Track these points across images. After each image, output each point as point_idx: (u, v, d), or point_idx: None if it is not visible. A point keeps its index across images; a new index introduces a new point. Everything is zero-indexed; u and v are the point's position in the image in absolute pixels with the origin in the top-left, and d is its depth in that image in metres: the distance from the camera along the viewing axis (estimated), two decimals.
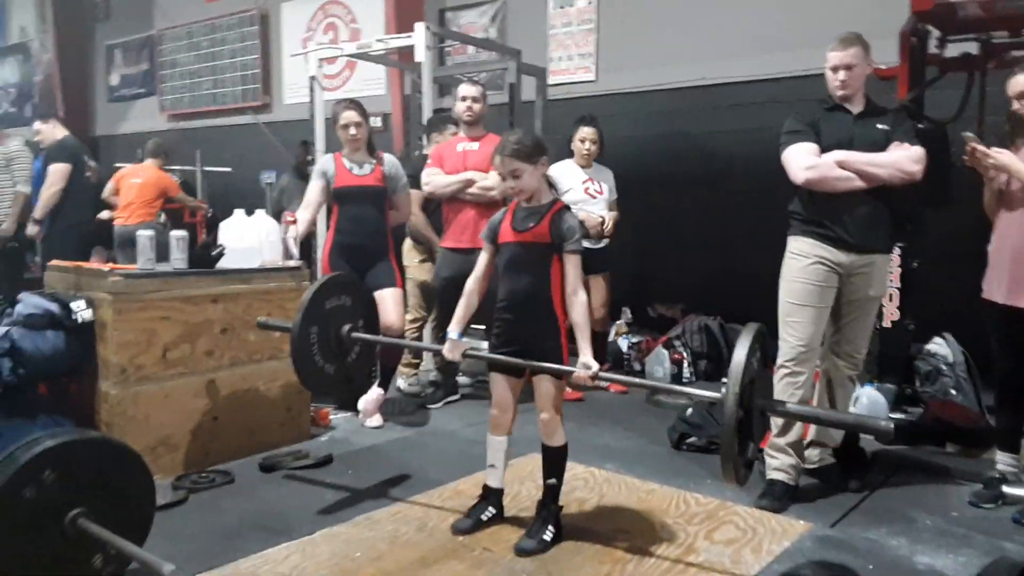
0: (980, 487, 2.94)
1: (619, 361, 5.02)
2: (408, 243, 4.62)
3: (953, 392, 3.78)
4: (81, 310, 2.92)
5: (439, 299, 4.17)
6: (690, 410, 3.57)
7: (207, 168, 8.40)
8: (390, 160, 3.90)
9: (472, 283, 2.58)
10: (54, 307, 2.92)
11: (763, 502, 2.82)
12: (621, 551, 2.43)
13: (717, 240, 5.72)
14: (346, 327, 2.76)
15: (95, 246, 6.46)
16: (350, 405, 3.85)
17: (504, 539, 2.49)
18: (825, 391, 3.02)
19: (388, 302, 3.68)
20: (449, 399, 4.24)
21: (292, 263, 3.49)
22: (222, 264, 3.27)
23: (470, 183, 3.96)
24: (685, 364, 4.85)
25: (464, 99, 4.07)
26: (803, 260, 2.87)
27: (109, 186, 6.52)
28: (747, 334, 2.01)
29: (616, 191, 4.56)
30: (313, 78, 5.54)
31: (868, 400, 3.60)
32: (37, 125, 5.68)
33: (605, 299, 4.61)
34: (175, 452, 3.03)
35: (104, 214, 6.47)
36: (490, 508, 2.61)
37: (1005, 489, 2.85)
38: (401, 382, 4.41)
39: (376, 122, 7.16)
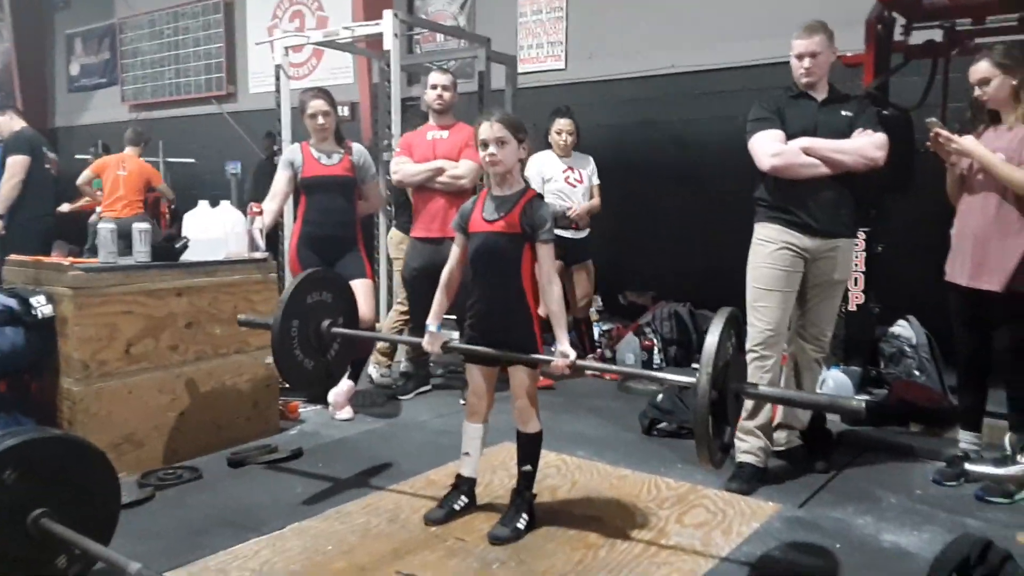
0: (943, 465, 3.01)
1: (591, 348, 5.04)
2: (395, 234, 4.58)
3: (917, 373, 3.86)
4: (41, 305, 2.85)
5: (410, 290, 4.14)
6: (660, 396, 3.60)
7: (170, 159, 8.25)
8: (359, 149, 3.86)
9: (447, 274, 2.56)
10: (13, 303, 2.84)
11: (732, 484, 2.85)
12: (594, 537, 2.45)
13: (687, 228, 5.76)
14: (326, 322, 2.74)
15: (56, 240, 6.32)
16: (320, 398, 3.81)
17: (477, 528, 2.49)
18: (792, 374, 3.06)
19: (359, 294, 3.63)
20: (420, 390, 4.22)
21: (258, 255, 3.44)
22: (186, 257, 3.21)
23: (440, 172, 3.93)
24: (655, 351, 4.89)
25: (434, 87, 4.03)
26: (769, 246, 2.90)
27: (85, 174, 6.41)
28: (720, 317, 2.02)
29: (598, 176, 4.59)
30: (279, 67, 5.46)
31: (834, 382, 3.66)
32: None
33: (588, 289, 4.63)
34: (140, 449, 2.97)
35: (64, 207, 6.33)
36: (463, 497, 2.61)
37: (968, 467, 2.92)
38: (373, 372, 4.38)
39: (344, 111, 7.08)
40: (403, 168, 4.02)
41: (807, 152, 2.80)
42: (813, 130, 2.84)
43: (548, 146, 4.54)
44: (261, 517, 2.58)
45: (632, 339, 4.91)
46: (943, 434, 3.38)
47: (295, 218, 3.99)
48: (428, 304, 2.62)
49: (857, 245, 3.64)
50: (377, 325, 4.41)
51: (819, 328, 3.01)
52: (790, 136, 2.84)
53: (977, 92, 2.88)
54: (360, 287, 3.65)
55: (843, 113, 2.88)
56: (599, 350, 4.91)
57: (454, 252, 2.55)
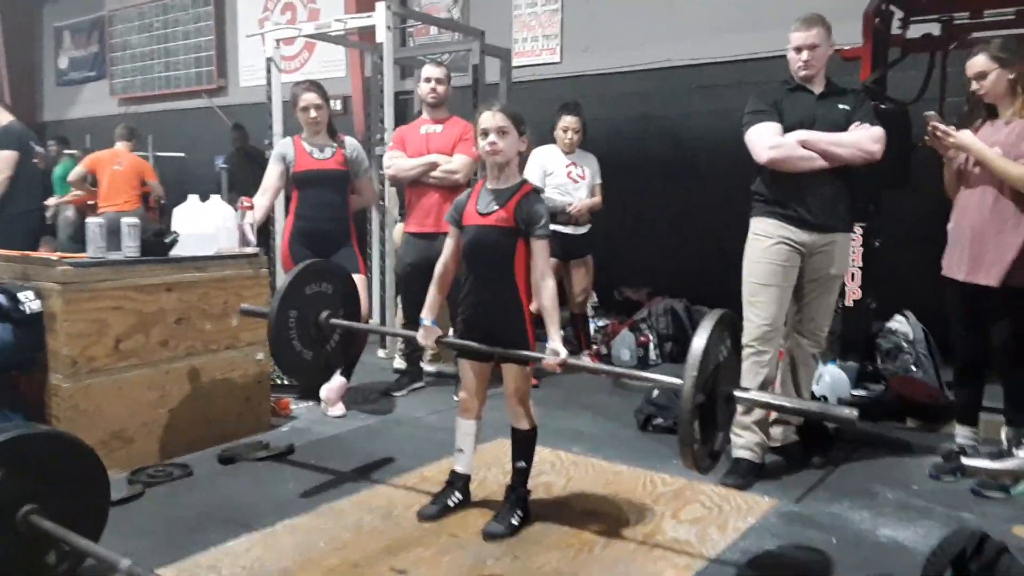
0: (940, 460, 3.00)
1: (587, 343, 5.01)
2: (401, 229, 4.55)
3: (914, 368, 3.85)
4: (29, 301, 2.81)
5: (404, 285, 4.11)
6: (656, 392, 3.58)
7: (160, 153, 8.18)
8: (351, 143, 3.82)
9: (441, 267, 2.53)
10: (1, 298, 2.80)
11: (729, 480, 2.84)
12: (589, 533, 2.43)
13: (682, 223, 5.74)
14: (324, 313, 2.71)
15: (44, 235, 6.30)
16: (312, 394, 3.78)
17: (471, 525, 2.47)
18: (789, 370, 3.05)
19: None
20: (414, 386, 4.19)
21: (249, 250, 3.40)
22: (176, 252, 3.17)
23: (434, 166, 3.90)
24: (651, 347, 4.88)
25: (428, 80, 4.00)
26: (766, 240, 2.88)
27: (78, 170, 6.45)
28: (710, 319, 1.98)
29: (600, 176, 4.56)
30: (270, 59, 5.40)
31: (831, 378, 3.65)
32: None
33: (588, 284, 4.61)
34: (130, 445, 2.94)
35: (50, 201, 6.32)
36: (457, 494, 2.59)
37: (964, 461, 2.91)
38: (430, 368, 4.44)
39: (336, 105, 7.04)
40: (396, 163, 3.99)
41: (804, 145, 2.78)
42: (811, 123, 2.82)
43: (551, 141, 4.49)
44: (253, 514, 2.55)
45: (628, 335, 4.89)
46: (940, 429, 3.38)
47: (287, 213, 3.95)
48: (422, 299, 2.58)
49: (854, 240, 3.63)
50: (371, 321, 4.39)
51: (816, 323, 3.00)
52: (787, 129, 2.82)
53: (974, 86, 2.86)
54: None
55: (840, 106, 2.86)
56: (595, 346, 4.89)
57: (448, 245, 2.52)
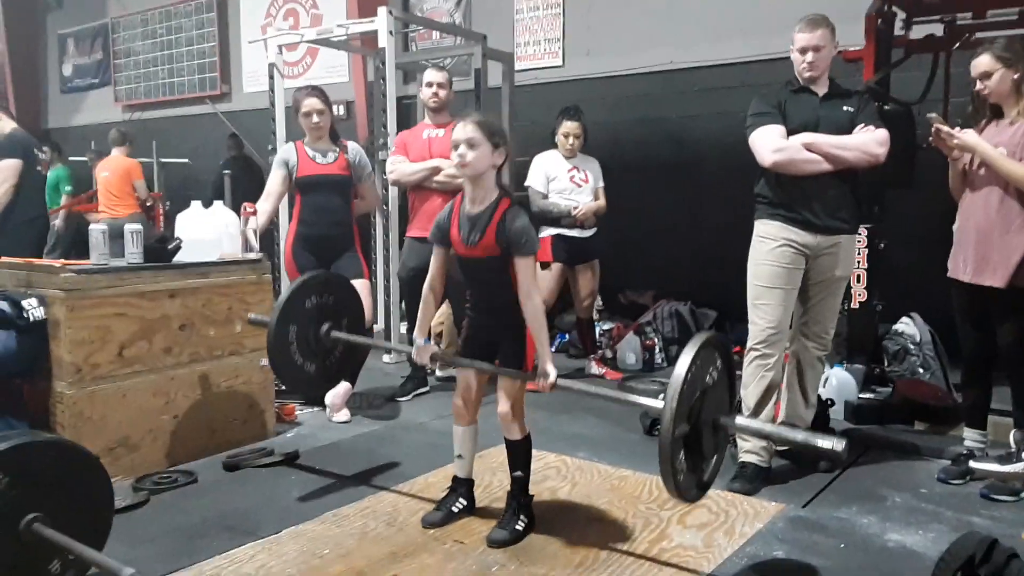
0: (948, 464, 2.98)
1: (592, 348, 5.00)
2: None
3: (921, 371, 3.83)
4: (33, 308, 2.81)
5: (406, 290, 4.10)
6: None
7: (164, 160, 8.20)
8: (354, 148, 3.82)
9: (427, 288, 2.49)
10: (5, 306, 2.80)
11: (735, 484, 2.82)
12: (594, 539, 2.41)
13: (687, 225, 5.73)
14: (325, 326, 2.70)
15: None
16: (317, 400, 3.77)
17: (476, 531, 2.46)
18: (795, 373, 3.03)
19: None
20: (419, 392, 4.18)
21: (253, 256, 3.40)
22: (180, 258, 3.17)
23: (436, 171, 3.89)
24: (657, 350, 4.85)
25: (430, 85, 4.00)
26: (770, 243, 2.87)
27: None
28: (692, 345, 1.92)
29: (603, 179, 4.54)
30: (273, 65, 5.41)
31: (837, 381, 3.63)
32: None
33: (594, 288, 4.59)
34: (134, 453, 2.93)
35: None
36: (460, 500, 2.57)
37: (973, 465, 2.89)
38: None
39: (339, 110, 7.04)
40: (399, 167, 3.99)
41: (809, 148, 2.77)
42: (814, 125, 2.80)
43: (553, 146, 4.47)
44: (257, 521, 2.54)
45: (633, 339, 4.88)
46: (948, 432, 3.35)
47: (290, 218, 3.95)
48: None
49: (859, 242, 3.61)
50: (375, 325, 4.39)
51: (821, 326, 2.98)
52: (791, 131, 2.80)
53: (978, 86, 2.85)
54: (357, 288, 3.61)
55: (844, 108, 2.85)
56: (600, 350, 4.87)
57: (432, 265, 2.47)
